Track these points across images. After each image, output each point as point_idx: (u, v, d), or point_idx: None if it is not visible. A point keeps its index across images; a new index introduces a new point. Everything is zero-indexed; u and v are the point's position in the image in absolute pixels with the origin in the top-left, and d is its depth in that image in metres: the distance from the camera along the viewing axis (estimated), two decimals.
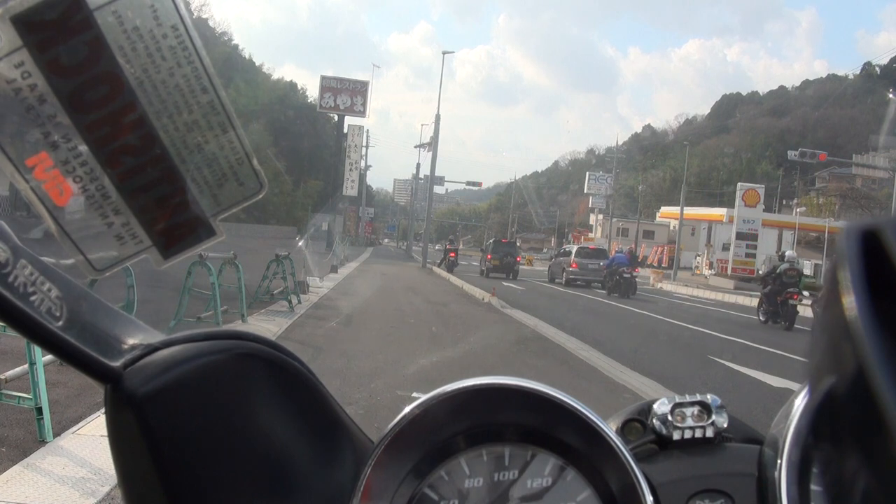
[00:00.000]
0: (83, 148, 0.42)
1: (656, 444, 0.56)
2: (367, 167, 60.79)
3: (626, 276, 21.09)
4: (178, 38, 0.42)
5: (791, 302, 14.26)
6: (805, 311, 15.01)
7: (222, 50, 53.50)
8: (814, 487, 0.45)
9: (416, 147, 54.44)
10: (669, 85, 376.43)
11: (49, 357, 3.85)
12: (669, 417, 0.55)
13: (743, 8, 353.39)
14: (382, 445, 0.48)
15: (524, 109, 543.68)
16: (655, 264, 47.84)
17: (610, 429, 0.49)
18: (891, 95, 40.25)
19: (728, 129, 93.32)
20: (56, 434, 3.79)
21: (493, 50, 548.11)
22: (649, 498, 0.47)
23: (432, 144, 35.15)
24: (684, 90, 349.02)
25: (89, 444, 3.69)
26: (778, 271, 14.78)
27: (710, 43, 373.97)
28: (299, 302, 11.00)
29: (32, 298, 0.37)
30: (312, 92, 58.10)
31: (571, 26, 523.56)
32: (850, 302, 0.26)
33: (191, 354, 0.43)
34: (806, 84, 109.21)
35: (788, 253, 15.85)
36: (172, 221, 0.45)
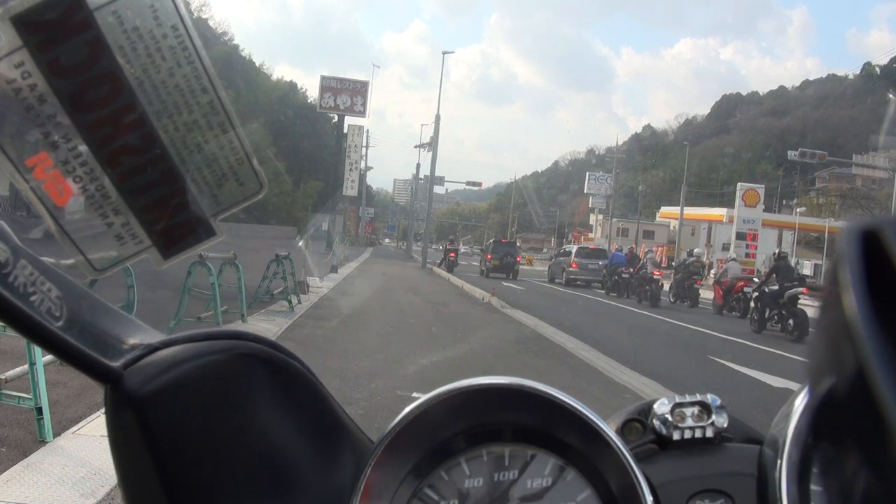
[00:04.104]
0: (83, 148, 0.42)
1: (656, 444, 0.56)
2: (368, 168, 60.75)
3: (624, 276, 21.21)
4: (178, 38, 0.42)
5: (695, 287, 18.95)
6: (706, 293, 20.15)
7: (222, 50, 53.55)
8: (814, 487, 0.45)
9: (415, 147, 54.49)
10: (664, 84, 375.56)
11: (49, 357, 3.85)
12: (669, 417, 0.55)
13: (735, 7, 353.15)
14: (382, 445, 0.48)
15: (520, 109, 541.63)
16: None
17: (610, 429, 0.49)
18: (891, 95, 40.26)
19: (728, 129, 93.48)
20: (56, 434, 3.79)
21: (487, 49, 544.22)
22: (649, 498, 0.47)
23: (432, 144, 35.11)
24: (679, 89, 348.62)
25: (89, 444, 3.69)
26: (686, 263, 19.48)
27: (704, 42, 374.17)
28: (299, 302, 11.00)
29: (32, 298, 0.37)
30: (312, 92, 58.28)
31: (563, 26, 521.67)
32: (850, 302, 0.26)
33: (191, 354, 0.43)
34: (806, 84, 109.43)
35: (696, 251, 21.70)
36: (172, 221, 0.45)
